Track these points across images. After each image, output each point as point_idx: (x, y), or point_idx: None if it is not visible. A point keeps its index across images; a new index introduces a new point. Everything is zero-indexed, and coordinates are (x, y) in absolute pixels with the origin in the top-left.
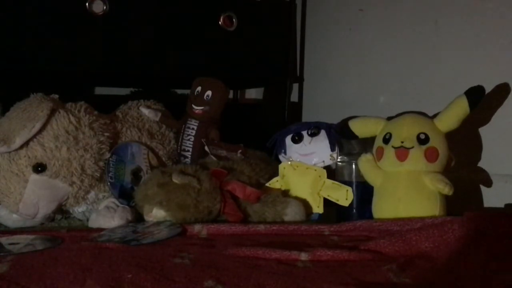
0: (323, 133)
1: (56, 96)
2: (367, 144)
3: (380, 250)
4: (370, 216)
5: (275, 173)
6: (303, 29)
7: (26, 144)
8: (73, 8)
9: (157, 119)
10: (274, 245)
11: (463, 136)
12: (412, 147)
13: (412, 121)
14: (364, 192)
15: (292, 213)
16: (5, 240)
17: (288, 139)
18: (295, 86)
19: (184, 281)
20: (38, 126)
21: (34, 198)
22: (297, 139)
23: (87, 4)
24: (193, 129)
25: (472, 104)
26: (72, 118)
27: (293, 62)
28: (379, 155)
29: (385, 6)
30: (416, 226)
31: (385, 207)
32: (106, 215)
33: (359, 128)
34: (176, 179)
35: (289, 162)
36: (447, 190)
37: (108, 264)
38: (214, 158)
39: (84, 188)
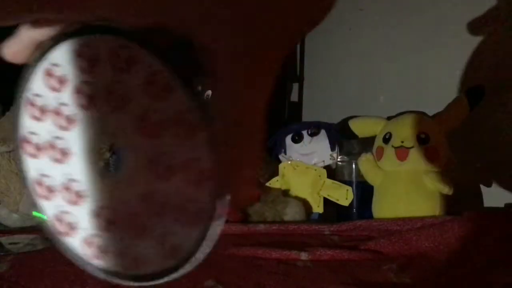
0: (323, 132)
1: None
2: (367, 144)
3: (380, 250)
4: (370, 216)
5: (275, 173)
6: None
7: None
8: None
9: None
10: (274, 245)
11: (463, 136)
12: (412, 147)
13: (412, 121)
14: (364, 191)
15: (292, 212)
16: (5, 240)
17: (288, 139)
18: (295, 86)
19: (184, 281)
20: None
21: None
22: (297, 139)
23: None
24: None
25: (472, 104)
26: None
27: (293, 62)
28: (379, 154)
29: (385, 6)
30: (416, 226)
31: (385, 207)
32: None
33: (359, 127)
34: None
35: (289, 162)
36: (447, 190)
37: None
38: None
39: None
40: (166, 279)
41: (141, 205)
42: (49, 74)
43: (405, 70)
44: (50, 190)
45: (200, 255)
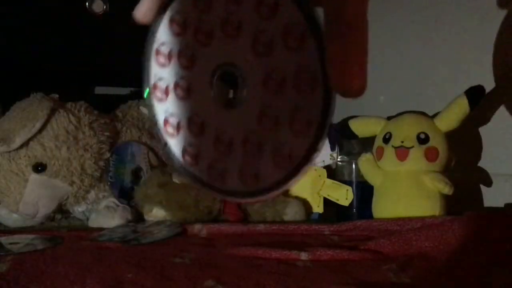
0: None
1: (56, 96)
2: (367, 144)
3: (380, 250)
4: (370, 216)
5: None
6: None
7: (26, 143)
8: (73, 8)
9: None
10: (274, 245)
11: (463, 136)
12: (412, 147)
13: (412, 120)
14: (364, 192)
15: (292, 212)
16: (5, 239)
17: None
18: None
19: (184, 281)
20: (38, 125)
21: (34, 197)
22: None
23: (87, 3)
24: None
25: (472, 104)
26: (72, 118)
27: None
28: (379, 154)
29: (385, 6)
30: (416, 226)
31: (385, 207)
32: (106, 215)
33: (359, 127)
34: (176, 179)
35: None
36: (447, 189)
37: (108, 264)
38: None
39: (84, 187)
40: (279, 190)
41: (257, 122)
42: (172, 21)
43: (405, 70)
44: (177, 128)
45: (311, 163)
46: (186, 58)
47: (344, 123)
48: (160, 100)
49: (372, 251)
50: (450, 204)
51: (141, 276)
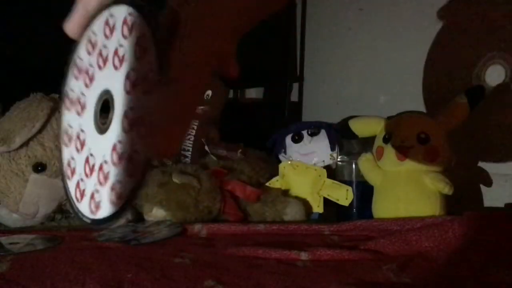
0: (323, 132)
1: (56, 96)
2: (367, 144)
3: (380, 249)
4: (370, 215)
5: (275, 173)
6: (303, 29)
7: (26, 143)
8: (73, 8)
9: None
10: (274, 245)
11: (463, 136)
12: (412, 147)
13: (412, 120)
14: (364, 191)
15: (292, 212)
16: (5, 239)
17: (288, 139)
18: (295, 86)
19: (184, 281)
20: (38, 125)
21: (34, 197)
22: (297, 139)
23: None
24: (192, 129)
25: (472, 104)
26: None
27: (293, 62)
28: (379, 154)
29: (385, 6)
30: (416, 225)
31: (385, 207)
32: None
33: (359, 127)
34: (176, 179)
35: (289, 162)
36: (447, 189)
37: (108, 264)
38: (214, 158)
39: None
40: (112, 224)
41: (110, 153)
42: (89, 40)
43: (405, 70)
44: (70, 138)
45: (133, 203)
46: (88, 76)
47: (344, 123)
48: (67, 109)
49: (372, 251)
50: (450, 204)
51: (141, 276)
